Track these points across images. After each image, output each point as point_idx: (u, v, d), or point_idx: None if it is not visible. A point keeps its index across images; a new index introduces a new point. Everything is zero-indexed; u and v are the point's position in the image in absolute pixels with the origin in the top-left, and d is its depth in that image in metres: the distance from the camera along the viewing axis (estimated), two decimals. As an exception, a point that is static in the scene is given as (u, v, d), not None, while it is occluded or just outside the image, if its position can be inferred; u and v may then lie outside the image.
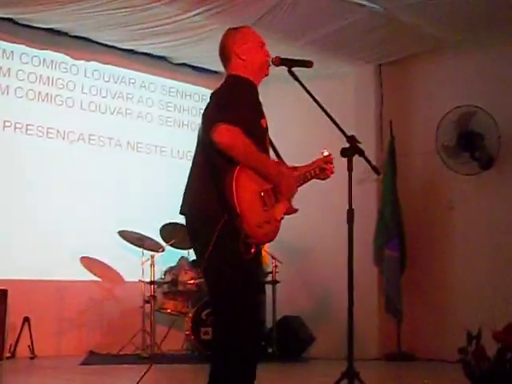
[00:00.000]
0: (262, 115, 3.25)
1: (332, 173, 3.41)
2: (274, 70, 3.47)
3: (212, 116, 3.12)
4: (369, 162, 3.31)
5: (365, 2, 5.82)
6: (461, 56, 6.84)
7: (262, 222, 3.06)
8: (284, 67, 3.33)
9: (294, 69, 3.31)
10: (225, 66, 3.39)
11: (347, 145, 3.30)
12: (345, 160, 3.36)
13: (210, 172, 3.14)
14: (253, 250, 3.04)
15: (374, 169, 3.27)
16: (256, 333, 3.18)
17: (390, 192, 6.94)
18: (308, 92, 3.27)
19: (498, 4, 5.76)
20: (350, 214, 3.20)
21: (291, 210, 3.28)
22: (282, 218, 3.19)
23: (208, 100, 3.32)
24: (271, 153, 3.38)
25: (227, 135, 3.03)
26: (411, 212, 7.01)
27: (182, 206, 3.28)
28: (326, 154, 3.40)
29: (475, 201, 6.65)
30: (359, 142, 3.24)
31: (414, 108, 6.97)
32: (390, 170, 6.93)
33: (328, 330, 7.11)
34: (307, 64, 3.30)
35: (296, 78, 3.28)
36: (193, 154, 3.29)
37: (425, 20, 6.16)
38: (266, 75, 3.38)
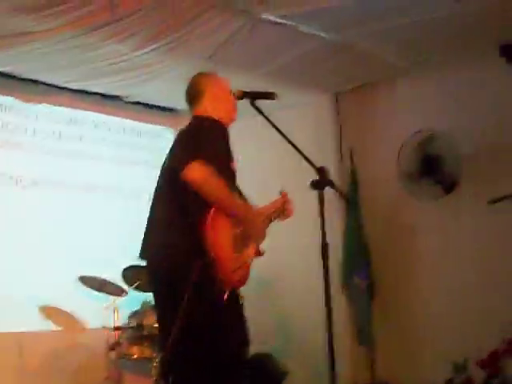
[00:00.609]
0: (232, 158, 3.20)
1: (292, 213, 3.38)
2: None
3: (183, 155, 3.04)
4: (339, 191, 3.26)
5: (318, 32, 5.78)
6: (419, 82, 6.85)
7: (234, 267, 2.98)
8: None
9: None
10: (191, 106, 3.36)
11: (315, 177, 3.22)
12: (308, 192, 3.31)
13: (180, 215, 3.04)
14: (225, 296, 2.95)
15: (345, 198, 3.27)
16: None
17: (353, 221, 6.89)
18: (273, 125, 3.20)
19: (455, 30, 5.78)
20: (325, 248, 3.09)
21: (259, 253, 3.23)
22: (251, 262, 3.13)
23: (166, 138, 3.28)
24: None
25: (200, 172, 2.98)
26: (377, 239, 6.95)
27: (143, 250, 3.16)
28: (283, 193, 3.37)
29: (440, 225, 6.61)
30: (328, 174, 3.16)
31: (373, 135, 6.96)
32: (352, 198, 6.88)
33: (301, 363, 6.99)
34: (271, 96, 3.24)
35: (259, 111, 3.21)
36: (150, 193, 3.20)
37: (381, 48, 6.15)
38: (233, 121, 3.35)
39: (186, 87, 3.52)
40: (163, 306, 3.16)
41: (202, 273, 2.91)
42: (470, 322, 6.15)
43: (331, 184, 3.15)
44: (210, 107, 3.31)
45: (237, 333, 3.08)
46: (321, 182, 3.12)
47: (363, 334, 6.78)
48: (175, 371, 3.09)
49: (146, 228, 3.23)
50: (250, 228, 3.07)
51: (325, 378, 6.60)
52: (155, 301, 3.27)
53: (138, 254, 3.20)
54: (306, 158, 3.16)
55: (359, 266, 6.80)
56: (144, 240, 3.22)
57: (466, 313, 6.24)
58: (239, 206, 3.06)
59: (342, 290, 6.81)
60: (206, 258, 2.91)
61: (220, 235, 2.99)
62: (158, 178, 3.31)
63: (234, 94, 3.26)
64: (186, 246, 2.99)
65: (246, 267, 3.09)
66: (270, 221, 3.36)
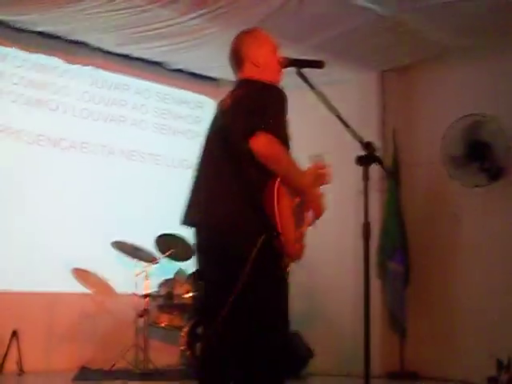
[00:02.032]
0: (288, 124, 3.07)
1: (329, 179, 3.19)
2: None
3: (246, 125, 2.89)
4: (386, 169, 3.11)
5: (371, 6, 5.61)
6: (469, 63, 6.63)
7: (296, 239, 2.91)
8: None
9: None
10: (235, 69, 3.22)
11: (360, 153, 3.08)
12: (345, 168, 3.19)
13: (244, 185, 2.93)
14: (288, 268, 2.88)
15: (393, 176, 3.10)
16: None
17: (393, 203, 6.74)
18: (319, 96, 3.04)
19: (506, 8, 5.56)
20: (367, 227, 2.95)
21: (311, 224, 3.13)
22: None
23: (208, 108, 3.17)
24: None
25: (270, 146, 2.86)
26: (416, 224, 6.79)
27: (194, 218, 3.06)
28: (317, 158, 3.19)
29: (483, 213, 6.42)
30: (375, 150, 3.01)
31: (418, 116, 6.77)
32: (393, 181, 6.72)
33: (328, 346, 6.90)
34: (318, 64, 3.09)
35: (306, 80, 3.06)
36: (190, 161, 3.10)
37: (432, 25, 5.97)
38: (278, 83, 3.18)
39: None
40: (217, 277, 3.06)
41: (267, 246, 2.84)
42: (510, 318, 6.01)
43: (378, 160, 3.00)
44: (253, 70, 3.16)
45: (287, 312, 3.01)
46: (367, 158, 2.95)
47: (395, 321, 6.67)
48: (226, 345, 2.98)
49: (196, 195, 3.09)
50: (310, 200, 2.96)
51: (351, 360, 6.58)
52: (205, 270, 3.17)
53: (182, 221, 3.09)
54: (353, 132, 3.01)
55: (396, 250, 6.66)
56: (196, 208, 3.08)
57: (508, 306, 6.07)
58: (303, 177, 2.95)
59: (377, 273, 6.67)
60: (271, 230, 2.83)
61: (283, 207, 2.88)
62: (209, 145, 3.16)
63: (280, 60, 3.11)
64: (251, 217, 2.89)
65: (303, 240, 2.99)
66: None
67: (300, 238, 2.95)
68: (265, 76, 3.11)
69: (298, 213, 2.97)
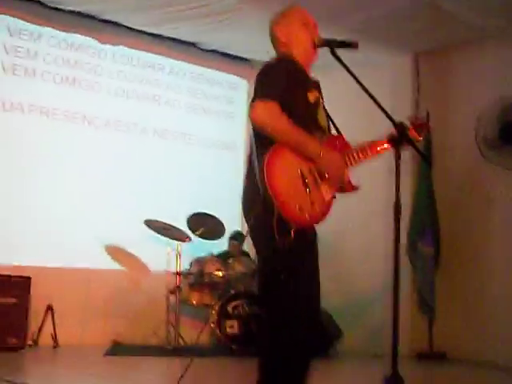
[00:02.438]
0: (307, 89, 3.06)
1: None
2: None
3: (250, 102, 2.97)
4: (419, 151, 3.11)
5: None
6: (503, 45, 6.56)
7: (303, 204, 2.87)
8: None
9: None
10: (275, 52, 3.25)
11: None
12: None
13: (251, 164, 2.99)
14: (291, 236, 2.86)
15: (426, 158, 3.08)
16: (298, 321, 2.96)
17: (425, 185, 6.71)
18: (353, 76, 3.05)
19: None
20: (397, 208, 2.95)
21: (349, 188, 3.10)
22: (334, 197, 3.01)
23: (241, 89, 3.22)
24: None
25: (261, 111, 2.89)
26: (448, 207, 6.76)
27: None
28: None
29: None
30: (407, 130, 3.02)
31: (452, 99, 6.72)
32: (425, 163, 6.68)
33: (357, 326, 6.94)
34: (352, 45, 3.09)
35: (340, 61, 3.06)
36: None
37: (467, 8, 5.91)
38: (313, 55, 3.19)
39: (263, 37, 3.42)
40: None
41: (261, 216, 2.88)
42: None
43: (410, 141, 3.01)
44: (282, 49, 3.20)
45: (300, 276, 2.99)
46: (400, 138, 2.95)
47: (425, 302, 6.66)
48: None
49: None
50: (322, 167, 2.95)
51: (380, 341, 6.60)
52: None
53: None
54: (386, 113, 3.01)
55: (427, 232, 6.64)
56: None
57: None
58: (308, 145, 2.93)
59: (407, 254, 6.66)
60: (266, 196, 2.85)
61: (283, 171, 2.88)
62: None
63: (312, 37, 3.12)
64: (253, 184, 2.94)
65: (323, 204, 2.95)
66: (367, 155, 3.12)
67: (311, 202, 2.90)
68: (294, 53, 3.14)
69: (310, 177, 2.95)
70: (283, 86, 2.95)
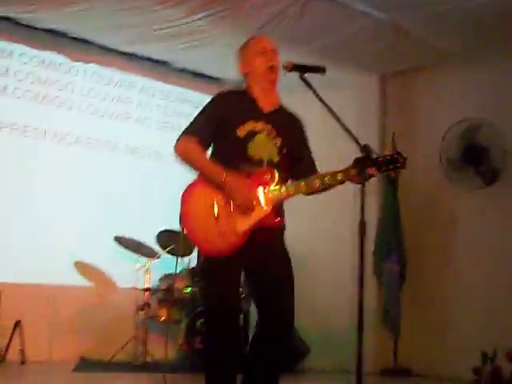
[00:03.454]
0: (240, 123, 3.21)
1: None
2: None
3: None
4: (388, 176, 3.21)
5: (372, 11, 5.73)
6: (467, 68, 6.77)
7: (210, 234, 3.03)
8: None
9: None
10: None
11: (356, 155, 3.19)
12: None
13: None
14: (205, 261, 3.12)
15: (391, 181, 3.19)
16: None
17: (390, 204, 6.85)
18: (320, 100, 3.16)
19: (506, 14, 5.67)
20: (362, 226, 3.05)
21: (269, 222, 3.13)
22: (251, 229, 3.09)
23: None
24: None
25: (179, 145, 3.21)
26: (412, 225, 6.91)
27: None
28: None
29: (479, 216, 6.55)
30: (372, 152, 3.13)
31: (417, 120, 6.89)
32: (391, 183, 6.83)
33: (323, 342, 7.02)
34: (320, 70, 3.21)
35: (308, 85, 3.18)
36: None
37: (432, 32, 6.08)
38: (273, 80, 3.33)
39: (232, 56, 3.55)
40: None
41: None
42: (504, 317, 6.12)
43: (375, 163, 3.10)
44: (246, 79, 3.37)
45: (212, 298, 3.19)
46: (365, 160, 3.05)
47: (390, 319, 6.77)
48: None
49: None
50: (227, 191, 3.09)
51: (346, 357, 6.70)
52: None
53: None
54: (352, 135, 3.11)
55: (392, 250, 6.77)
56: None
57: (502, 307, 6.22)
58: (212, 174, 3.10)
59: (373, 272, 6.79)
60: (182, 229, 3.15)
61: (196, 202, 3.12)
62: None
63: (283, 66, 3.22)
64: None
65: (232, 235, 3.06)
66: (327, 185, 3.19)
67: (221, 233, 3.05)
68: (254, 81, 3.30)
69: (221, 208, 3.09)
70: (208, 123, 3.23)
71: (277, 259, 3.27)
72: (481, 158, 6.38)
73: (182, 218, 3.11)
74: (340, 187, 3.42)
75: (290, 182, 3.24)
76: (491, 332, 6.02)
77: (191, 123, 3.29)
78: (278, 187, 3.14)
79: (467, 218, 6.64)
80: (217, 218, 3.07)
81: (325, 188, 3.16)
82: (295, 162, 3.34)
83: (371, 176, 3.08)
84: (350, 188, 3.36)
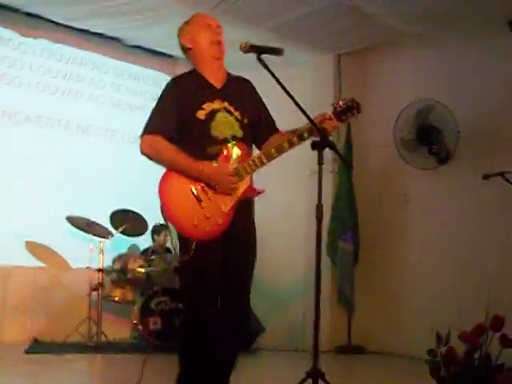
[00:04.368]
0: (198, 106, 3.22)
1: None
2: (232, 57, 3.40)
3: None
4: (340, 155, 3.24)
5: (328, -9, 5.72)
6: (421, 50, 6.81)
7: (198, 220, 3.05)
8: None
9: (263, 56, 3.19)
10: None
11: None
12: (297, 153, 3.34)
13: None
14: (192, 249, 3.08)
15: (346, 163, 3.22)
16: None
17: (345, 184, 6.88)
18: (278, 81, 3.15)
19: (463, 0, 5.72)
20: (320, 209, 3.08)
21: (252, 193, 3.24)
22: (234, 206, 3.17)
23: (164, 84, 3.36)
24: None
25: (144, 146, 3.21)
26: (366, 204, 6.97)
27: None
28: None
29: (431, 195, 6.65)
30: (330, 135, 3.15)
31: (372, 100, 6.91)
32: (343, 163, 6.85)
33: (277, 321, 7.07)
34: (278, 51, 3.19)
35: (265, 66, 3.15)
36: None
37: (387, 12, 6.09)
38: (219, 55, 3.32)
39: None
40: None
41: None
42: (455, 295, 6.24)
43: (332, 146, 3.13)
44: (190, 56, 3.39)
45: (197, 276, 3.19)
46: (321, 143, 3.09)
47: (344, 297, 6.85)
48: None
49: None
50: (206, 181, 3.11)
51: (301, 336, 6.76)
52: None
53: None
54: (308, 118, 3.12)
55: (346, 229, 6.82)
56: None
57: (452, 285, 6.32)
58: (189, 169, 3.13)
59: (327, 252, 6.84)
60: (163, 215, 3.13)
61: (175, 191, 3.13)
62: None
63: (240, 45, 3.19)
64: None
65: (220, 215, 3.13)
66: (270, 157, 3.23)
67: (207, 216, 3.11)
68: (199, 57, 3.30)
69: (203, 193, 3.14)
70: (169, 115, 3.21)
71: (245, 236, 3.33)
72: (434, 139, 6.44)
73: (165, 211, 3.12)
74: (295, 166, 3.45)
75: (259, 152, 3.31)
76: (445, 310, 6.13)
77: (152, 118, 3.24)
78: (250, 159, 3.21)
79: (420, 197, 6.73)
80: (200, 204, 3.12)
81: (290, 148, 3.23)
82: (257, 128, 3.39)
83: (334, 128, 3.22)
84: (305, 169, 3.38)
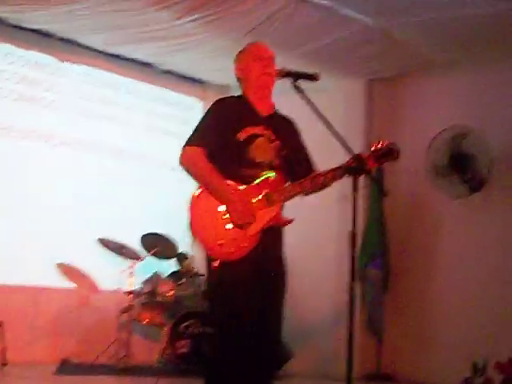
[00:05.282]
0: (241, 128, 3.24)
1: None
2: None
3: None
4: (377, 182, 3.23)
5: (360, 16, 5.75)
6: (454, 75, 6.80)
7: (224, 239, 3.07)
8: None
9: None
10: None
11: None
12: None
13: None
14: (216, 264, 3.11)
15: (381, 189, 3.21)
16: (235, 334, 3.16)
17: (375, 210, 6.86)
18: (312, 107, 3.17)
19: (493, 23, 5.72)
20: (353, 236, 3.07)
21: (278, 222, 3.24)
22: (259, 232, 3.17)
23: (196, 110, 3.44)
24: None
25: (184, 157, 3.23)
26: (397, 231, 6.93)
27: None
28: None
29: (463, 223, 6.59)
30: (366, 163, 3.13)
31: (403, 126, 6.91)
32: (376, 188, 6.84)
33: (306, 347, 7.02)
34: (314, 77, 3.22)
35: (301, 92, 3.19)
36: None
37: (419, 38, 6.12)
38: (267, 84, 3.35)
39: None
40: None
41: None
42: (489, 324, 6.17)
43: (368, 172, 3.13)
44: (241, 85, 3.42)
45: (228, 301, 3.17)
46: (357, 169, 3.08)
47: (373, 324, 6.79)
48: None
49: None
50: (227, 208, 3.13)
51: (329, 362, 6.69)
52: None
53: None
54: (344, 143, 3.12)
55: (377, 255, 6.79)
56: None
57: (486, 314, 6.25)
58: (218, 191, 3.16)
59: (357, 278, 6.78)
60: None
61: (205, 208, 3.16)
62: None
63: (276, 71, 3.24)
64: None
65: (245, 239, 3.13)
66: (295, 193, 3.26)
67: (233, 238, 3.12)
68: (248, 87, 3.33)
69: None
70: (213, 131, 3.24)
71: (275, 264, 3.35)
72: (467, 166, 6.41)
73: (193, 229, 3.16)
74: (326, 194, 3.46)
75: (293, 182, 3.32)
76: (477, 340, 6.05)
77: (196, 132, 3.29)
78: (283, 188, 3.24)
79: (452, 225, 6.68)
80: (227, 223, 3.15)
81: (326, 185, 3.26)
82: (294, 164, 3.40)
83: (370, 169, 3.18)
84: (336, 195, 3.39)
